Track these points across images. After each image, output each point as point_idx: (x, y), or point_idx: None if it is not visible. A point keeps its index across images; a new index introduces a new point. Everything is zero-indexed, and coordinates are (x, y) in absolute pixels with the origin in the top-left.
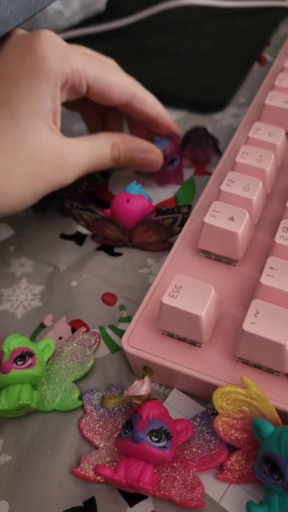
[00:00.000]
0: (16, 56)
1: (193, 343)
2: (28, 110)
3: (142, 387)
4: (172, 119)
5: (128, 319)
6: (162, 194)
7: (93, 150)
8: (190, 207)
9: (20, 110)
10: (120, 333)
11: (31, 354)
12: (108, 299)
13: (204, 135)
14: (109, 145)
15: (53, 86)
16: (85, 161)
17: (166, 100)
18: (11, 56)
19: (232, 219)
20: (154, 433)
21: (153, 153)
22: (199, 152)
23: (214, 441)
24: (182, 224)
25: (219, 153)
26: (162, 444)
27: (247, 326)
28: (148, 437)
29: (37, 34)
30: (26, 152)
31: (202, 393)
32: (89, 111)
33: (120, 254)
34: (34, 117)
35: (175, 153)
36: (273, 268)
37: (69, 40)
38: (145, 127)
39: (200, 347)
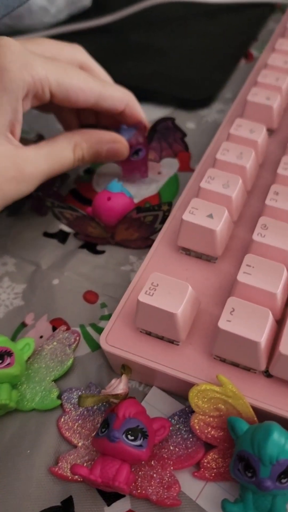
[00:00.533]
0: None
1: (171, 341)
2: None
3: (119, 386)
4: (141, 109)
5: (109, 317)
6: (146, 191)
7: (52, 155)
8: (170, 205)
9: None
10: (101, 331)
11: (9, 353)
12: (90, 297)
13: (172, 127)
14: (71, 147)
15: (14, 98)
16: (43, 168)
17: (152, 96)
18: None
19: (210, 216)
20: (130, 432)
21: (118, 142)
22: (166, 146)
23: (191, 439)
24: (163, 222)
25: (186, 148)
26: (138, 443)
27: (222, 324)
28: (124, 436)
29: None
30: None
31: (180, 391)
32: (62, 111)
33: (102, 252)
34: None
35: (141, 144)
36: (250, 266)
37: (55, 37)
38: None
39: (178, 345)
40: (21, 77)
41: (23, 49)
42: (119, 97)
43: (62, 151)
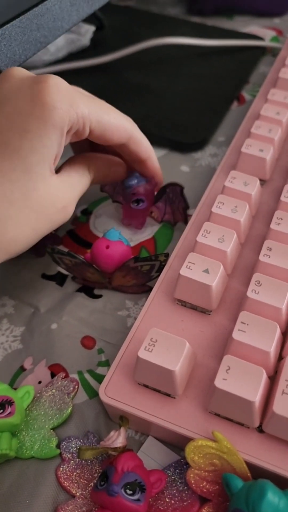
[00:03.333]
0: (24, 103)
1: (168, 394)
2: (39, 159)
3: (118, 439)
4: (159, 166)
5: (106, 363)
6: (141, 235)
7: (80, 181)
8: (167, 256)
9: (32, 160)
10: (98, 377)
11: (10, 402)
12: (87, 342)
13: (178, 195)
14: (87, 171)
15: (60, 134)
16: (77, 194)
17: (147, 138)
18: (17, 102)
19: (207, 271)
20: (128, 486)
21: (120, 165)
22: (169, 211)
23: (186, 492)
24: (159, 270)
25: (186, 221)
26: (136, 497)
27: (218, 383)
28: (122, 490)
29: (44, 80)
30: (37, 199)
31: (176, 442)
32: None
33: (99, 296)
34: (43, 164)
35: (146, 196)
36: (244, 323)
37: (54, 74)
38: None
39: (174, 398)
40: (68, 114)
41: (69, 88)
42: (145, 146)
43: (84, 176)
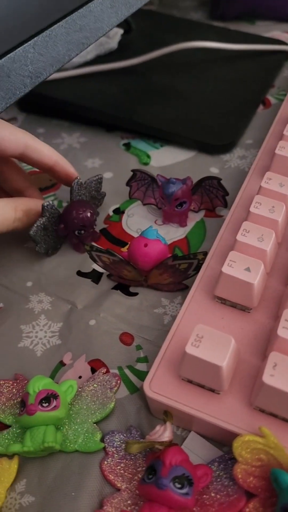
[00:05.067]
0: None
1: (212, 390)
2: None
3: (164, 433)
4: (71, 166)
5: (145, 359)
6: (174, 234)
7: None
8: (205, 254)
9: None
10: (138, 373)
11: (55, 396)
12: (126, 339)
13: (216, 186)
14: (12, 208)
15: None
16: None
17: (175, 140)
18: None
19: (248, 269)
20: (177, 480)
21: (33, 201)
22: (207, 200)
23: (232, 487)
24: (196, 269)
25: (225, 204)
26: (185, 490)
27: (266, 379)
28: (171, 483)
29: None
30: None
31: (219, 437)
32: None
33: (135, 294)
34: None
35: (186, 197)
36: None
37: (82, 76)
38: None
39: (218, 394)
40: None
41: None
42: (47, 152)
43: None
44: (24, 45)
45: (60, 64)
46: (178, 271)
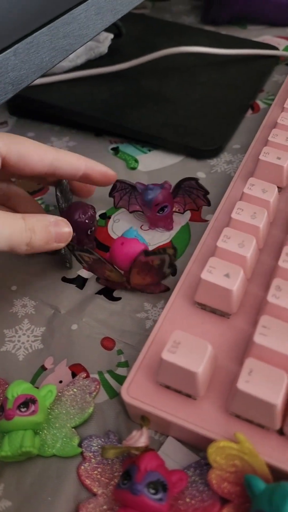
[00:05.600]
0: None
1: (189, 395)
2: None
3: (140, 439)
4: (103, 166)
5: (126, 364)
6: (159, 239)
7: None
8: (175, 249)
9: None
10: (118, 378)
11: (34, 401)
12: (107, 343)
13: (196, 186)
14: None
15: None
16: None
17: (163, 144)
18: None
19: (227, 275)
20: (151, 485)
21: (62, 223)
22: (189, 201)
23: (207, 492)
24: (171, 266)
25: (209, 203)
26: (159, 496)
27: (241, 385)
28: (145, 489)
29: None
30: None
31: (195, 443)
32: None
33: (119, 299)
34: None
35: (167, 201)
36: (265, 327)
37: (72, 80)
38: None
39: (195, 399)
40: None
41: None
42: (75, 159)
43: (15, 220)
44: (5, 52)
45: (43, 71)
46: (154, 269)
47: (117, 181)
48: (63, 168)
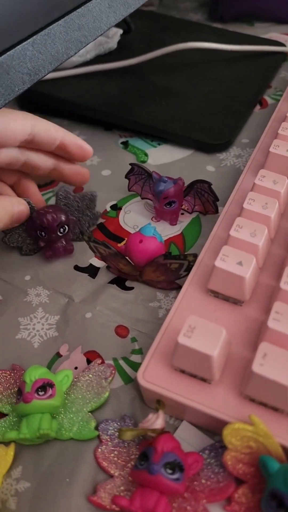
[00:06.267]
0: None
1: (204, 379)
2: None
3: (156, 421)
4: (79, 139)
5: (140, 351)
6: (170, 231)
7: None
8: (195, 256)
9: None
10: (133, 365)
11: (51, 385)
12: (121, 331)
13: (207, 190)
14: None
15: None
16: None
17: (173, 139)
18: None
19: (240, 263)
20: (168, 466)
21: (23, 204)
22: (199, 202)
23: (222, 474)
24: (188, 270)
25: (216, 210)
26: (176, 476)
27: (256, 368)
28: (163, 469)
29: None
30: None
31: (210, 426)
32: None
33: (131, 288)
34: None
35: (176, 197)
36: (278, 313)
37: (82, 75)
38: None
39: (210, 383)
40: None
41: None
42: (52, 127)
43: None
44: (23, 43)
45: (58, 62)
46: (169, 270)
47: (135, 164)
48: (40, 134)
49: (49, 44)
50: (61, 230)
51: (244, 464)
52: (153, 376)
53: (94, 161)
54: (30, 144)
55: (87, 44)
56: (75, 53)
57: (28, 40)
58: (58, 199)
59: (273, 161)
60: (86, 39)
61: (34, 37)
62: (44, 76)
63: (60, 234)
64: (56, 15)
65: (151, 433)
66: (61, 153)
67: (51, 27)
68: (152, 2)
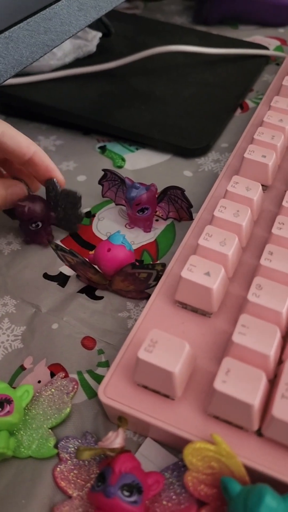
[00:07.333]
0: None
1: (167, 396)
2: None
3: (116, 440)
4: (51, 161)
5: (106, 364)
6: (143, 238)
7: None
8: (164, 266)
9: None
10: (98, 378)
11: (9, 401)
12: (88, 343)
13: (180, 197)
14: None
15: None
16: None
17: (151, 143)
18: None
19: (208, 274)
20: (125, 487)
21: (16, 185)
22: (173, 209)
23: (184, 495)
24: (157, 279)
25: (191, 217)
26: (133, 498)
27: (218, 385)
28: (119, 491)
29: None
30: None
31: (174, 444)
32: None
33: (101, 298)
34: None
35: (148, 203)
36: (245, 326)
37: (60, 79)
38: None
39: (173, 399)
40: None
41: None
42: (25, 141)
43: None
44: None
45: (22, 66)
46: (138, 280)
47: (108, 170)
48: (7, 143)
49: (11, 47)
50: (33, 225)
51: (206, 485)
52: (115, 392)
53: (70, 166)
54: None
55: (55, 47)
56: (41, 57)
57: None
58: (47, 190)
59: (247, 167)
60: (53, 42)
61: None
62: (6, 80)
63: (33, 229)
64: (18, 18)
65: (110, 452)
66: (29, 169)
67: (12, 29)
68: (136, 5)
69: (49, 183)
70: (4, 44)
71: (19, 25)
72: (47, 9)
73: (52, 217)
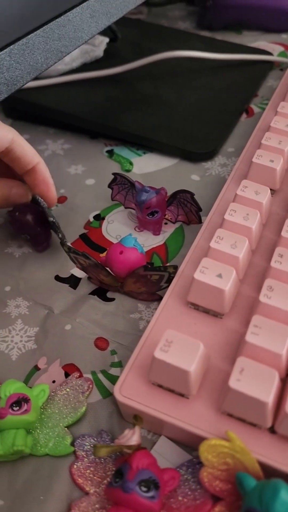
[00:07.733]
0: None
1: (181, 394)
2: None
3: (132, 437)
4: (49, 173)
5: (119, 364)
6: (153, 241)
7: None
8: (176, 268)
9: None
10: (112, 378)
11: (26, 400)
12: (100, 343)
13: (190, 200)
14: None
15: None
16: None
17: (158, 147)
18: None
19: (220, 276)
20: (143, 483)
21: (20, 186)
22: (182, 212)
23: (199, 491)
24: (168, 281)
25: (199, 220)
26: (150, 494)
27: (232, 383)
28: (137, 487)
29: None
30: None
31: (188, 442)
32: None
33: (112, 299)
34: None
35: (158, 207)
36: (257, 326)
37: (68, 83)
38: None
39: (188, 398)
40: None
41: None
42: (32, 151)
43: None
44: (0, 53)
45: (37, 72)
46: (150, 282)
47: (118, 174)
48: (16, 151)
49: (27, 54)
50: (22, 236)
51: (221, 481)
52: (130, 390)
53: (79, 170)
54: (3, 157)
55: (68, 54)
56: (55, 63)
57: (5, 50)
58: (40, 201)
59: (256, 171)
60: (66, 48)
61: (11, 47)
62: (22, 86)
63: (23, 237)
64: (34, 25)
65: (127, 449)
66: (28, 179)
67: (29, 36)
68: (141, 10)
69: (33, 200)
70: (21, 51)
71: (35, 32)
72: (61, 17)
73: (43, 230)
